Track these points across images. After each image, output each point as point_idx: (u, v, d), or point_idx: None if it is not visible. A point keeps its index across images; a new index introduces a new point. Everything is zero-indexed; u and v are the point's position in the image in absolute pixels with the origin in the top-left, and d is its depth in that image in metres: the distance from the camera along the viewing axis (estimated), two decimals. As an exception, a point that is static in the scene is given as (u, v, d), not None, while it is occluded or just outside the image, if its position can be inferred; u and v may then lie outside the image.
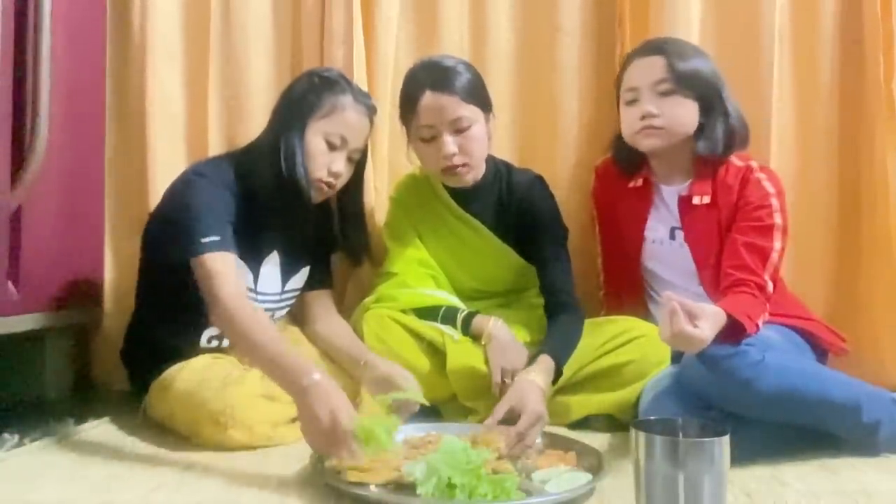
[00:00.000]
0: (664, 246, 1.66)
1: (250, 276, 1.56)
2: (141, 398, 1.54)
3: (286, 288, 1.65)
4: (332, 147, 1.52)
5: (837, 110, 1.89)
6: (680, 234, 1.64)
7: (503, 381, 1.56)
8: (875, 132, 1.83)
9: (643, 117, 1.58)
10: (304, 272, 1.69)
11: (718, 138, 1.58)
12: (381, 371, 1.51)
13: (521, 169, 1.84)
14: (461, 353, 1.62)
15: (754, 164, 1.59)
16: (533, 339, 1.67)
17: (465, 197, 1.74)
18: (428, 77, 1.63)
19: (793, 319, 1.55)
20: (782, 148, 1.88)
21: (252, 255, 1.55)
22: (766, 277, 1.45)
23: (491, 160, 1.76)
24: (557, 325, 1.63)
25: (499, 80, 1.95)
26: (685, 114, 1.58)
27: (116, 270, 1.92)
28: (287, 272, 1.64)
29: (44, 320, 1.70)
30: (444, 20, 1.98)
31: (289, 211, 1.51)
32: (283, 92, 1.60)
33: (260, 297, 1.58)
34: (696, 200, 1.60)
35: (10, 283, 1.58)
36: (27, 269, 1.62)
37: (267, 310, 1.59)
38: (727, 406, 1.28)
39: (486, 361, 1.61)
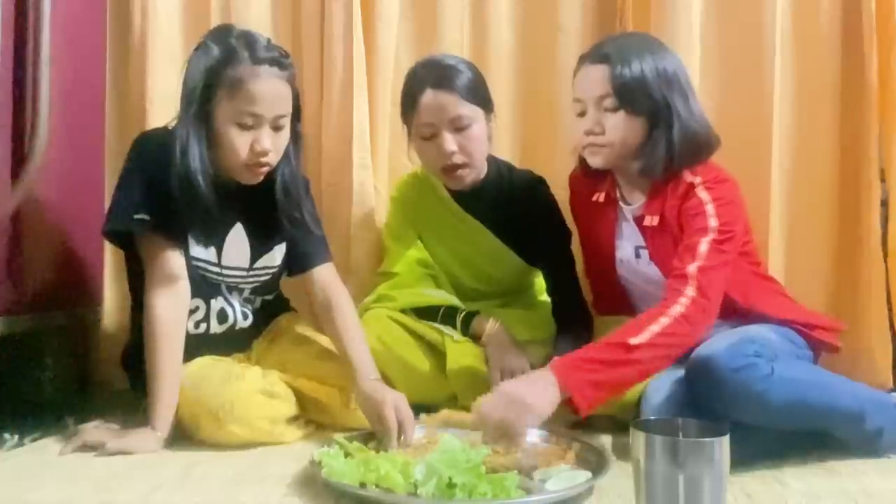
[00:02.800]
0: (632, 264, 1.61)
1: (212, 250, 1.49)
2: (141, 398, 1.53)
3: (256, 265, 1.56)
4: (245, 128, 1.38)
5: (839, 108, 1.88)
6: (645, 254, 1.57)
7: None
8: (874, 130, 1.83)
9: (587, 133, 1.52)
10: (279, 249, 1.58)
11: (659, 157, 1.47)
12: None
13: (523, 170, 1.84)
14: (461, 354, 1.62)
15: (698, 179, 1.47)
16: (533, 338, 1.67)
17: (465, 197, 1.74)
18: (429, 75, 1.63)
19: (791, 323, 1.54)
20: (783, 146, 1.88)
21: (212, 228, 1.48)
22: (691, 268, 1.36)
23: (492, 161, 1.76)
24: (565, 333, 1.63)
25: (499, 80, 1.95)
26: (630, 131, 1.49)
27: (116, 270, 1.91)
28: (257, 248, 1.55)
29: (44, 320, 1.70)
30: (445, 19, 1.98)
31: (220, 192, 1.43)
32: (185, 68, 1.42)
33: (225, 272, 1.52)
34: (647, 222, 1.53)
35: (10, 283, 1.58)
36: (27, 269, 1.62)
37: (231, 283, 1.54)
38: (735, 416, 1.27)
39: (486, 362, 1.61)
